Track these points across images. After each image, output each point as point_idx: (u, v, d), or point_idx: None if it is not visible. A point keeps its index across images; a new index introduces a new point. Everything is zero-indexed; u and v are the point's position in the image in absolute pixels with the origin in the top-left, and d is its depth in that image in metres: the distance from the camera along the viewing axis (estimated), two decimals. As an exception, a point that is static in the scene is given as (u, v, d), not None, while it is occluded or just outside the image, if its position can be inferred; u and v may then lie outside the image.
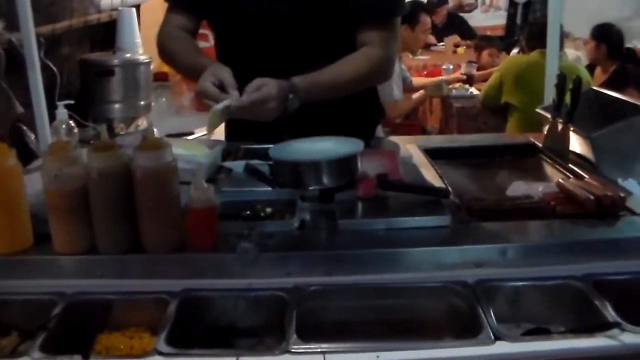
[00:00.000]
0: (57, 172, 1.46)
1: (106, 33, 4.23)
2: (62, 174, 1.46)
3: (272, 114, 1.86)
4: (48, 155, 1.51)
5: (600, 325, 1.34)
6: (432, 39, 6.87)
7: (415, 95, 4.91)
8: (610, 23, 5.31)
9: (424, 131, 5.38)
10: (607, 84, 4.62)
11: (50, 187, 1.48)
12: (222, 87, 1.83)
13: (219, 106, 1.78)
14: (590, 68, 5.19)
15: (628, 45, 5.49)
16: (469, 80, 5.40)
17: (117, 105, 3.68)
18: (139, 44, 4.19)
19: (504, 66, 4.69)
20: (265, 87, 1.82)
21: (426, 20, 5.00)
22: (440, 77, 5.36)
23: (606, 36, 5.16)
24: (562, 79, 2.26)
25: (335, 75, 2.02)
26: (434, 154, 2.18)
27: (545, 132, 2.30)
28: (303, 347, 1.27)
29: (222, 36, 2.26)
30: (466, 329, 1.39)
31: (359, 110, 2.23)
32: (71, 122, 2.08)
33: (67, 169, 1.47)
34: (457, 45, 7.08)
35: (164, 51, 2.20)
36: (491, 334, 1.30)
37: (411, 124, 5.33)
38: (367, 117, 2.36)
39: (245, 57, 2.11)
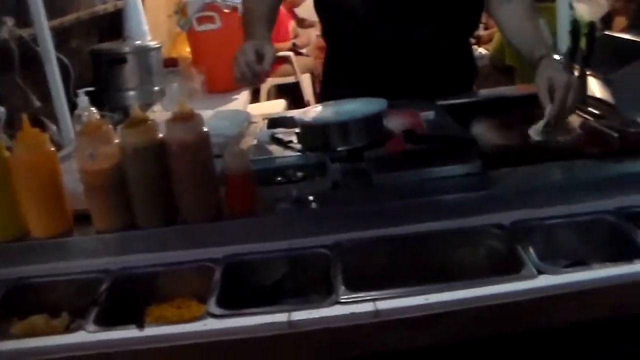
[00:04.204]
0: (92, 151, 1.47)
1: (112, 23, 4.23)
2: (96, 152, 1.47)
3: None
4: (82, 135, 1.52)
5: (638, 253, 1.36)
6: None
7: None
8: None
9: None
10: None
11: (86, 167, 1.50)
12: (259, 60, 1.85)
13: (540, 124, 1.79)
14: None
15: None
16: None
17: (132, 92, 3.69)
18: (147, 31, 4.20)
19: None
20: (563, 82, 1.79)
21: None
22: None
23: None
24: (575, 25, 2.25)
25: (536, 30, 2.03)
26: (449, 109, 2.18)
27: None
28: (353, 296, 1.29)
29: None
30: (507, 268, 1.41)
31: (455, 69, 2.24)
32: (92, 108, 2.09)
33: (102, 148, 1.48)
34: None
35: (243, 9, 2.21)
36: (533, 269, 1.32)
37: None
38: (463, 75, 2.36)
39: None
